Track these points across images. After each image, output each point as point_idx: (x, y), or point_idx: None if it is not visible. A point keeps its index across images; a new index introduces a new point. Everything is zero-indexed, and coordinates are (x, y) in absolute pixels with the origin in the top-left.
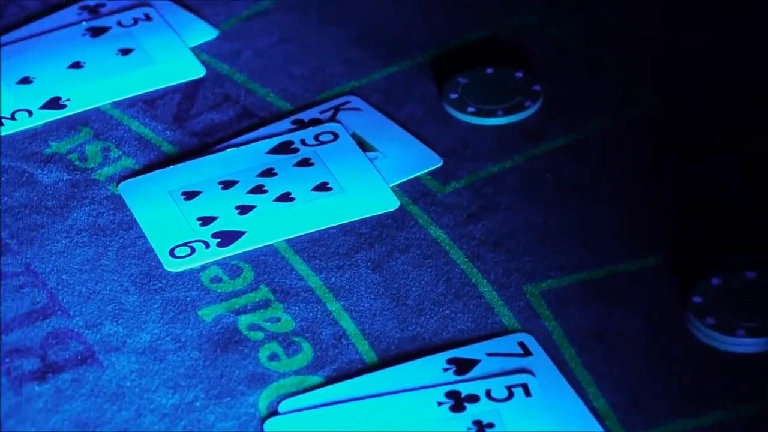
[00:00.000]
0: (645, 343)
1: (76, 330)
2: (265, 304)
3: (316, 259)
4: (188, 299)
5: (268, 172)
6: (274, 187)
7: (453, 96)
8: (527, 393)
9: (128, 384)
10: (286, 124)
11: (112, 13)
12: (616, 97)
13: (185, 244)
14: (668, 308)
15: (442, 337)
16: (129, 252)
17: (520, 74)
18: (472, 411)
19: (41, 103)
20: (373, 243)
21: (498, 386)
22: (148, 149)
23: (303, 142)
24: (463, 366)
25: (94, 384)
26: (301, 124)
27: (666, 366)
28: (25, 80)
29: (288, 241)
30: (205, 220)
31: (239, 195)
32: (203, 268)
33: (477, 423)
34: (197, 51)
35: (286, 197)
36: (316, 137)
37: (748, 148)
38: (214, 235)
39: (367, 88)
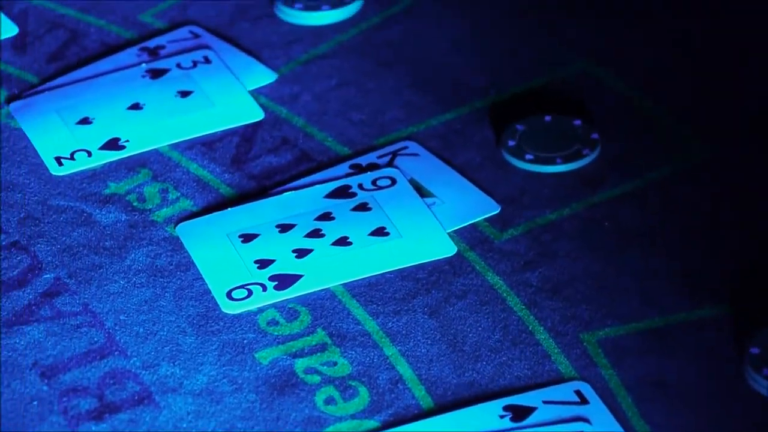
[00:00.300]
0: (702, 393)
1: (133, 370)
2: (321, 348)
3: (373, 304)
4: (245, 341)
5: (326, 216)
6: (332, 231)
7: (511, 143)
8: None
9: (185, 425)
10: (343, 168)
11: (171, 55)
12: (674, 146)
13: (242, 287)
14: (726, 359)
15: (499, 384)
16: (186, 293)
17: (578, 122)
18: None
19: (100, 144)
20: (430, 288)
21: None
22: (206, 191)
23: (361, 186)
24: (519, 413)
25: (151, 425)
26: (358, 169)
27: (723, 417)
28: (85, 121)
29: (345, 285)
30: (263, 263)
31: (297, 238)
32: (260, 310)
33: None
34: (256, 94)
35: (343, 241)
36: (373, 182)
37: None
38: (272, 278)
39: (424, 134)
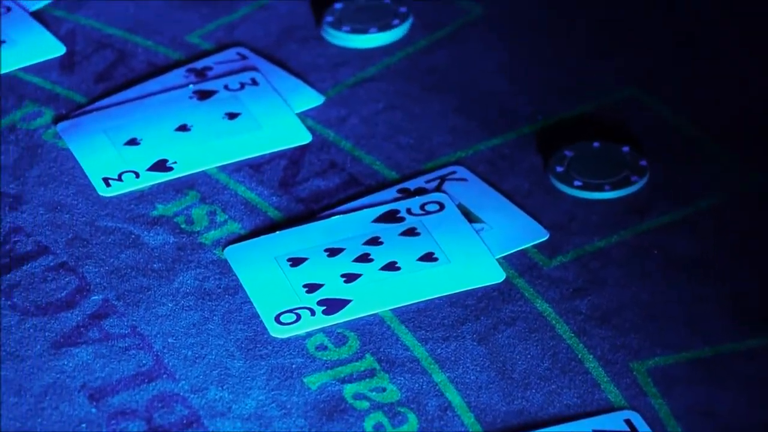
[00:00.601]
0: (752, 424)
1: (181, 394)
2: (370, 374)
3: (421, 330)
4: (294, 366)
5: (374, 241)
6: (380, 255)
7: (559, 169)
8: None
9: None
10: (391, 192)
11: (218, 76)
12: (722, 172)
13: (291, 311)
14: None
15: (548, 412)
16: (235, 317)
17: (626, 149)
18: None
19: (148, 165)
20: (479, 315)
21: None
22: (254, 214)
23: (409, 211)
24: None
25: None
26: (407, 193)
27: None
28: (133, 141)
29: (394, 310)
30: (311, 287)
31: (345, 263)
32: (309, 335)
33: None
34: (303, 117)
35: (392, 266)
36: (422, 207)
37: None
38: (320, 303)
39: (472, 159)
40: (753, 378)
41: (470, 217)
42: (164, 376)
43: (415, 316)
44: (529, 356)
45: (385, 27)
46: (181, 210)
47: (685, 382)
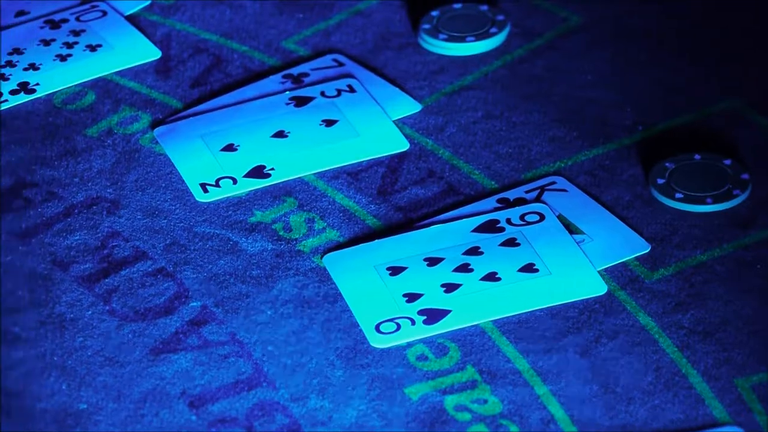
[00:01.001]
0: None
1: (282, 402)
2: (472, 385)
3: (522, 341)
4: (394, 376)
5: (474, 251)
6: (480, 266)
7: (660, 181)
8: None
9: None
10: (491, 202)
11: (315, 83)
12: None
13: (391, 320)
14: None
15: (652, 427)
16: (334, 325)
17: (728, 161)
18: None
19: (245, 171)
20: (581, 328)
21: None
22: (352, 222)
23: (509, 221)
24: None
25: None
26: (506, 203)
27: None
28: (230, 147)
29: (494, 321)
30: (411, 297)
31: (445, 272)
32: (409, 345)
33: None
34: (400, 124)
35: (492, 277)
36: (521, 217)
37: None
38: (420, 312)
39: (572, 169)
40: None
41: (571, 229)
42: (264, 384)
43: (516, 327)
44: (632, 370)
45: (482, 35)
46: (279, 217)
47: None
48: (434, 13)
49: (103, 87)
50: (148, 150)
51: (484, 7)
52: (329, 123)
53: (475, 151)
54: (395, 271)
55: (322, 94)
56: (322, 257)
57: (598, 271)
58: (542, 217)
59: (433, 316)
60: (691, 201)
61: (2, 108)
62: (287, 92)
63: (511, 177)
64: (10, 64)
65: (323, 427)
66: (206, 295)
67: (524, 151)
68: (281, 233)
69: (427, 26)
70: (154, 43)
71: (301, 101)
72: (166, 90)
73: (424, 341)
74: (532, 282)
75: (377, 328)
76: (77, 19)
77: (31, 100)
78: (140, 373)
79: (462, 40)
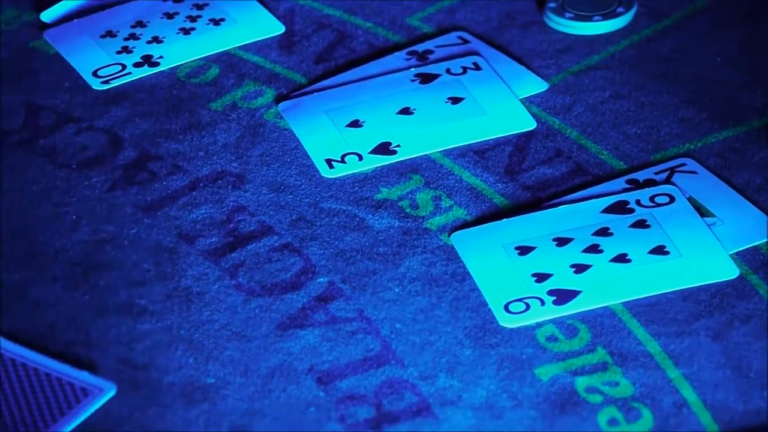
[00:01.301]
0: None
1: (410, 381)
2: (603, 367)
3: (654, 324)
4: (524, 357)
5: (604, 232)
6: (610, 247)
7: None
8: None
9: None
10: (620, 183)
11: (440, 60)
12: None
13: (520, 300)
14: None
15: None
16: (462, 304)
17: None
18: None
19: (371, 148)
20: (713, 311)
21: None
22: (479, 200)
23: (638, 202)
24: None
25: None
26: (635, 184)
27: None
28: (355, 123)
29: (624, 303)
30: (540, 277)
31: (574, 253)
32: (539, 325)
33: None
34: (526, 103)
35: (622, 258)
36: (651, 198)
37: None
38: (550, 293)
39: (702, 151)
40: None
41: (701, 211)
42: (392, 362)
43: (647, 310)
44: (765, 355)
45: (609, 15)
46: (405, 194)
47: None
48: None
49: (227, 61)
50: (272, 125)
51: None
52: (455, 100)
53: (603, 131)
54: (524, 250)
55: (448, 71)
56: (449, 235)
57: (730, 255)
58: (672, 199)
59: (562, 296)
60: None
61: (126, 80)
62: (412, 69)
63: (640, 158)
64: (134, 36)
65: (452, 406)
66: (333, 271)
67: (653, 132)
68: (408, 210)
69: (553, 5)
70: (277, 17)
71: (426, 78)
72: (289, 65)
73: (553, 322)
74: (662, 264)
75: (506, 308)
76: None
77: (155, 73)
78: (267, 348)
79: (589, 19)
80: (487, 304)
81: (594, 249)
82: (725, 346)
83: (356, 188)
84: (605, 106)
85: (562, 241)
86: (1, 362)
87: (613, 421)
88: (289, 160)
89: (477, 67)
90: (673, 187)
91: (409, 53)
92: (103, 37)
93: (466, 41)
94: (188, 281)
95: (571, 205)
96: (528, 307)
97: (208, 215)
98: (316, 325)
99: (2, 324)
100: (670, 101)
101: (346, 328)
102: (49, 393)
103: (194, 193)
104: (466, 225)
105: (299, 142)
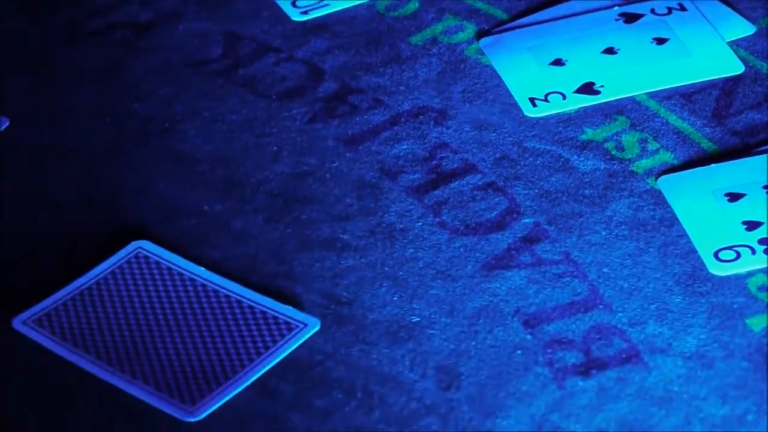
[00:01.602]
0: None
1: (619, 327)
2: None
3: None
4: (735, 306)
5: None
6: None
7: None
8: None
9: (675, 389)
10: None
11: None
12: None
13: (730, 248)
14: None
15: None
16: (671, 250)
17: None
18: None
19: (575, 87)
20: None
21: None
22: (686, 144)
23: None
24: None
25: (640, 385)
26: None
27: None
28: (558, 62)
29: None
30: (751, 225)
31: None
32: (750, 274)
33: None
34: (733, 46)
35: None
36: None
37: None
38: (761, 242)
39: None
40: None
41: None
42: (600, 307)
43: None
44: None
45: None
46: (610, 136)
47: None
48: None
49: None
50: (473, 61)
51: None
52: (660, 41)
53: None
54: (734, 197)
55: (652, 11)
56: (656, 179)
57: None
58: None
59: None
60: None
61: (325, 12)
62: (616, 8)
63: None
64: None
65: (663, 354)
66: (538, 212)
67: None
68: (613, 152)
69: None
70: None
71: (630, 18)
72: (490, 0)
73: (765, 271)
74: None
75: (716, 255)
76: None
77: (354, 6)
78: (473, 288)
79: None
80: (696, 251)
81: None
82: None
83: (560, 128)
84: None
85: None
86: (205, 293)
87: None
88: (491, 97)
89: (682, 8)
90: None
91: None
92: None
93: None
94: (391, 217)
95: None
96: (738, 255)
97: (410, 151)
98: (522, 266)
99: (205, 254)
100: None
101: (552, 270)
102: (253, 326)
103: (396, 128)
104: (673, 169)
105: (501, 80)
